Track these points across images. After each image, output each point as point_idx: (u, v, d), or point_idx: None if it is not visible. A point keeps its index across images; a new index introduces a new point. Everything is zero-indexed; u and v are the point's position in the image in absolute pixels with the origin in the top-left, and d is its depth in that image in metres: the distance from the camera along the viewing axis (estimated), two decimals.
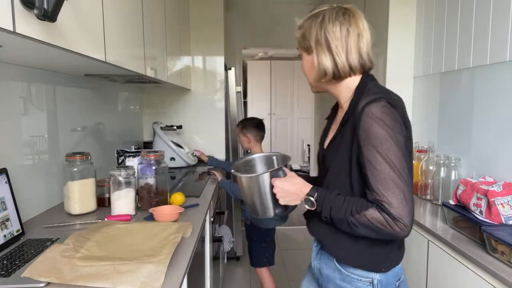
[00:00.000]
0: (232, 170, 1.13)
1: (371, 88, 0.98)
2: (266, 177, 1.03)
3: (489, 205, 1.23)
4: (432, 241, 1.38)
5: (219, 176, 2.24)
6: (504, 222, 1.21)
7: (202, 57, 3.08)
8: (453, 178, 1.61)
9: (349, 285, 1.02)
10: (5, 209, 1.18)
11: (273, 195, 1.03)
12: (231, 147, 3.20)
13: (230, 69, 3.18)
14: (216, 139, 3.14)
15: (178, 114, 3.10)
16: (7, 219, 1.18)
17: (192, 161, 2.72)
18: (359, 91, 0.99)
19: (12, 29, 0.72)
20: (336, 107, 1.16)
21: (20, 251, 1.11)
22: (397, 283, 1.03)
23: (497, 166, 1.48)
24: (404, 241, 1.05)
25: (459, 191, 1.39)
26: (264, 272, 2.20)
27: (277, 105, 6.58)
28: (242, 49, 4.29)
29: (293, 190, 1.00)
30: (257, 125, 2.26)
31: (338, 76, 1.00)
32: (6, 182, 1.21)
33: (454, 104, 1.74)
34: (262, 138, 2.26)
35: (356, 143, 0.93)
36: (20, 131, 1.40)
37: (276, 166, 1.16)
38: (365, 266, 1.00)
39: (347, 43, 0.97)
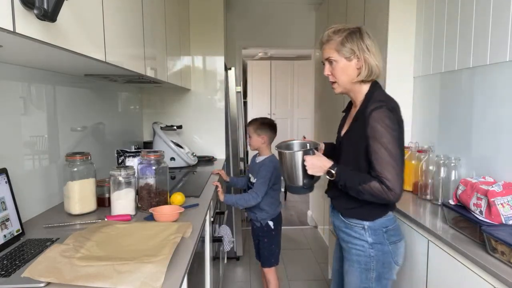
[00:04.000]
0: (276, 148, 1.49)
1: (377, 96, 1.33)
2: (300, 154, 1.38)
3: (489, 205, 1.23)
4: (432, 241, 1.38)
5: (221, 195, 2.06)
6: (504, 222, 1.21)
7: (202, 57, 3.07)
8: (453, 178, 1.61)
9: (350, 230, 1.42)
10: (5, 209, 1.18)
11: (304, 169, 1.37)
12: (231, 147, 3.20)
13: (230, 69, 3.18)
14: (216, 139, 3.13)
15: (178, 114, 3.10)
16: (7, 219, 1.18)
17: (192, 161, 2.71)
18: (368, 97, 1.35)
19: (12, 29, 0.72)
20: (351, 103, 1.51)
21: (20, 251, 1.11)
22: (384, 229, 1.38)
23: (497, 166, 1.47)
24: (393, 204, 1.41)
25: (459, 191, 1.39)
26: (272, 272, 2.21)
27: (277, 105, 6.57)
28: (242, 49, 4.28)
29: (318, 164, 1.36)
30: (272, 126, 2.19)
31: (368, 75, 1.33)
32: (6, 182, 1.21)
33: (454, 104, 1.74)
34: (273, 140, 2.19)
35: (365, 137, 1.28)
36: (20, 131, 1.40)
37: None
38: (358, 216, 1.39)
39: (376, 53, 1.34)
